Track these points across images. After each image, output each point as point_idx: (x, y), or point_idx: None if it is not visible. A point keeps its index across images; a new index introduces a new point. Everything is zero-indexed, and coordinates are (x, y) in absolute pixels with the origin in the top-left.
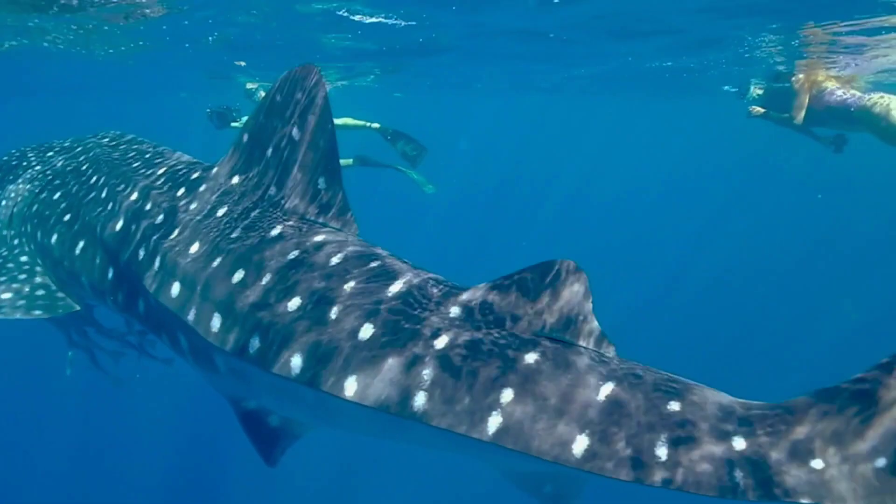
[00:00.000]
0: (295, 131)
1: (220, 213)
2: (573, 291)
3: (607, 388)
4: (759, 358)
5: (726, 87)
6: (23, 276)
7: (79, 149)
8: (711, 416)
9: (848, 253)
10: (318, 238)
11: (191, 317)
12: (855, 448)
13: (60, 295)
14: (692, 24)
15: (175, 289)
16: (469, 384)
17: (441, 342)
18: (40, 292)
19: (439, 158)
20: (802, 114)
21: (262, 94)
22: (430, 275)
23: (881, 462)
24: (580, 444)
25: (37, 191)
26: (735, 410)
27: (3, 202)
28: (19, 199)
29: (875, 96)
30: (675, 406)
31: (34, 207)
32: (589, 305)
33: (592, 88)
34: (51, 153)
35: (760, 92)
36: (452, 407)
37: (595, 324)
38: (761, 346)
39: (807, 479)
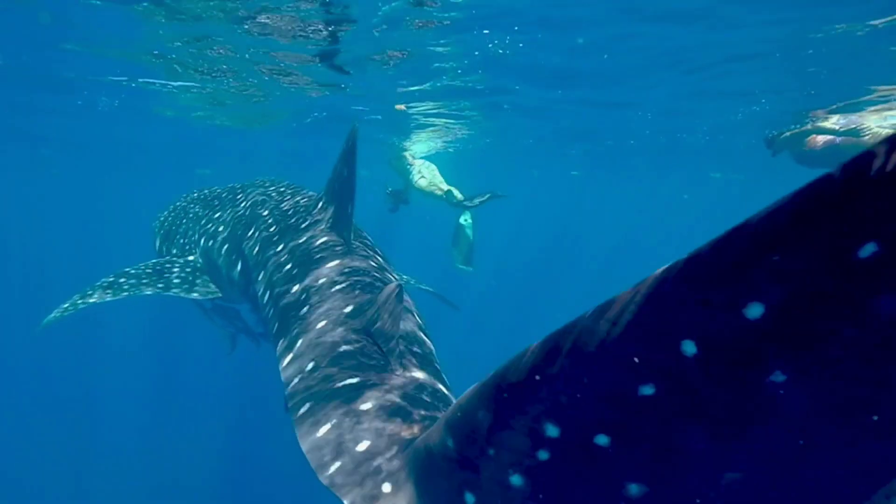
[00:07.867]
0: (346, 171)
1: (302, 226)
2: (399, 313)
3: (354, 378)
4: None
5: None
6: (188, 269)
7: (238, 186)
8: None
9: None
10: (335, 251)
11: (263, 302)
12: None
13: (212, 285)
14: None
15: (261, 280)
16: (313, 352)
17: (320, 325)
18: (198, 281)
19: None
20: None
21: (409, 158)
22: (367, 278)
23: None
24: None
25: (202, 212)
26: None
27: (184, 221)
28: (192, 217)
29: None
30: (366, 406)
31: (200, 222)
32: (400, 327)
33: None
34: (218, 189)
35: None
36: (287, 356)
37: (396, 341)
38: None
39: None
